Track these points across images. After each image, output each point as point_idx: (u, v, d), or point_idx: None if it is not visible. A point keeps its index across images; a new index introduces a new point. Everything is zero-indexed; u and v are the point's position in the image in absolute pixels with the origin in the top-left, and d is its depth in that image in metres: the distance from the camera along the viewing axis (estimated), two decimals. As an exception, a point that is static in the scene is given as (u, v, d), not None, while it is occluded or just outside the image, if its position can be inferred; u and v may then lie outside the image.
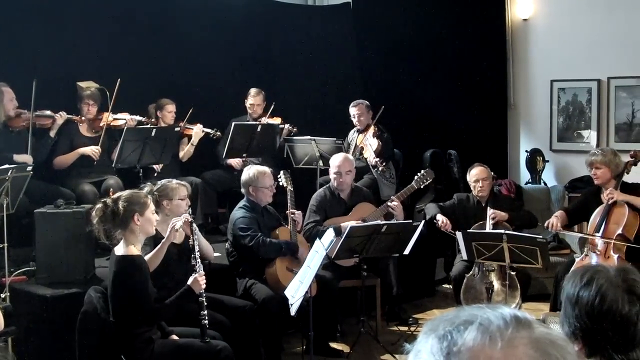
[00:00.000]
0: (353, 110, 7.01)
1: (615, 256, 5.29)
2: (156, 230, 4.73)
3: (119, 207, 4.08)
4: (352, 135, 7.16)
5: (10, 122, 5.82)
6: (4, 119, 5.77)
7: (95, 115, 6.28)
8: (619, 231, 5.38)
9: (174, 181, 4.95)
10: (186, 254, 4.61)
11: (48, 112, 6.05)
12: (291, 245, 5.40)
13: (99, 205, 4.14)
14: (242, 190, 5.50)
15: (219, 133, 6.81)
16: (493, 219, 5.80)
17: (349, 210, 5.95)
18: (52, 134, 6.05)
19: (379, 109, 6.84)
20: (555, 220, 5.73)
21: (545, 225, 5.81)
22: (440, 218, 5.88)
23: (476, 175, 6.05)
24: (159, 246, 4.53)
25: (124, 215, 4.08)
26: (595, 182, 5.78)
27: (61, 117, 6.05)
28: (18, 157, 5.65)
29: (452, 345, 0.98)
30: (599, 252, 5.39)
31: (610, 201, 5.48)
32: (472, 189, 6.10)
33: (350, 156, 6.20)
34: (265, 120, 6.92)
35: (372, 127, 6.87)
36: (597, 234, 5.45)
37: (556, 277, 5.62)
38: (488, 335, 0.98)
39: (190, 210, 4.82)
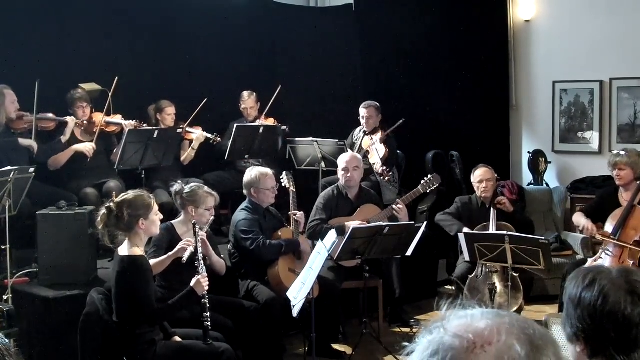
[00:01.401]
0: (363, 112, 6.94)
1: (630, 262, 5.20)
2: (175, 231, 4.75)
3: (124, 214, 4.07)
4: (358, 134, 7.09)
5: (12, 125, 5.83)
6: (5, 122, 5.78)
7: (89, 118, 6.28)
8: (637, 237, 5.31)
9: (205, 189, 4.91)
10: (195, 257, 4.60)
11: (50, 115, 6.06)
12: (292, 242, 5.40)
13: (102, 212, 4.13)
14: (244, 191, 5.50)
15: (219, 139, 6.79)
16: (501, 203, 5.84)
17: (355, 210, 5.95)
18: (64, 139, 6.03)
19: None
20: (590, 225, 5.70)
21: (581, 228, 5.83)
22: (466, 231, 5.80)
23: (480, 176, 6.05)
24: (163, 257, 4.54)
25: (129, 221, 4.08)
26: (618, 183, 5.76)
27: (71, 122, 6.05)
28: (23, 142, 5.73)
29: (441, 328, 1.09)
30: (613, 255, 5.30)
31: None
32: (475, 189, 6.10)
33: (358, 155, 6.20)
34: (260, 121, 6.93)
35: (381, 131, 6.83)
36: (612, 238, 5.35)
37: (563, 278, 5.60)
38: (471, 316, 1.10)
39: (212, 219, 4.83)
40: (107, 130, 6.29)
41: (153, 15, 7.13)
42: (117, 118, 6.34)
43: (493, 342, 1.05)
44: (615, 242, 5.30)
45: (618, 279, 1.85)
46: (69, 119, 6.06)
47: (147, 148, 6.05)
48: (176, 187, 4.87)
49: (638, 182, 5.58)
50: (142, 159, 6.07)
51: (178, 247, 4.56)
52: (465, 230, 5.75)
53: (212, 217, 4.89)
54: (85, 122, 6.20)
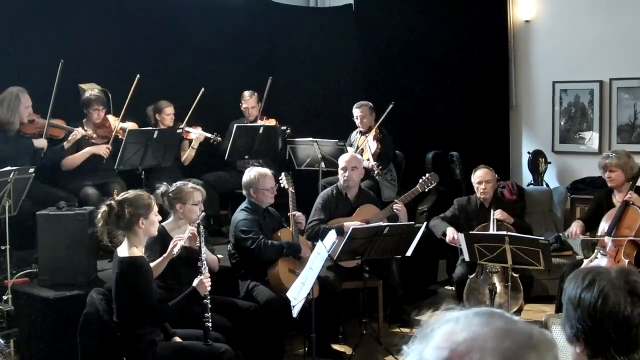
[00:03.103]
0: (356, 112, 7.00)
1: (626, 261, 5.22)
2: (166, 232, 4.74)
3: (125, 212, 4.07)
4: (355, 136, 7.14)
5: (22, 128, 5.82)
6: (17, 126, 5.77)
7: (103, 120, 6.27)
8: (631, 236, 5.31)
9: (190, 184, 4.90)
10: (194, 257, 4.59)
11: (62, 124, 6.04)
12: (293, 245, 5.40)
13: (104, 208, 4.13)
14: (244, 192, 5.51)
15: (219, 138, 6.79)
16: (499, 219, 5.80)
17: (354, 211, 5.95)
18: (66, 145, 6.03)
19: (386, 108, 6.75)
20: (575, 228, 5.74)
21: (567, 233, 5.88)
22: (450, 233, 5.79)
23: (480, 177, 6.04)
24: (159, 260, 4.52)
25: (129, 220, 4.08)
26: (609, 184, 5.73)
27: (79, 133, 6.04)
28: (37, 142, 5.76)
29: (424, 339, 1.16)
30: (609, 255, 5.32)
31: (627, 198, 5.42)
32: (475, 190, 6.09)
33: (357, 155, 6.22)
34: (260, 122, 6.92)
35: (374, 129, 6.86)
36: (608, 237, 5.36)
37: (562, 278, 5.60)
38: (456, 321, 1.16)
39: (202, 214, 4.82)
40: (120, 136, 6.25)
41: (152, 15, 7.12)
42: (130, 125, 6.32)
43: (465, 359, 1.10)
44: (612, 239, 5.31)
45: (617, 280, 1.85)
46: (77, 130, 6.03)
47: (147, 148, 6.05)
48: (162, 188, 4.84)
49: (630, 183, 5.58)
50: (142, 159, 6.07)
51: (170, 246, 4.55)
52: (449, 230, 5.78)
53: (203, 212, 4.87)
54: (92, 133, 6.15)
